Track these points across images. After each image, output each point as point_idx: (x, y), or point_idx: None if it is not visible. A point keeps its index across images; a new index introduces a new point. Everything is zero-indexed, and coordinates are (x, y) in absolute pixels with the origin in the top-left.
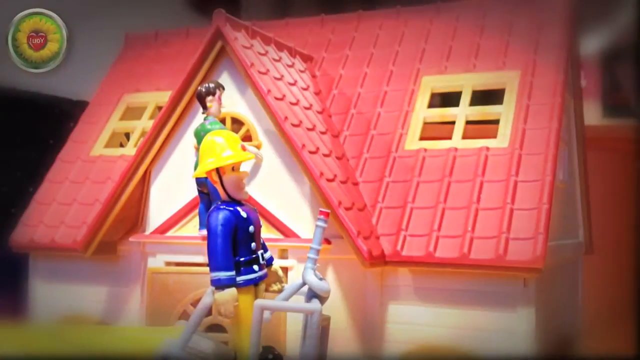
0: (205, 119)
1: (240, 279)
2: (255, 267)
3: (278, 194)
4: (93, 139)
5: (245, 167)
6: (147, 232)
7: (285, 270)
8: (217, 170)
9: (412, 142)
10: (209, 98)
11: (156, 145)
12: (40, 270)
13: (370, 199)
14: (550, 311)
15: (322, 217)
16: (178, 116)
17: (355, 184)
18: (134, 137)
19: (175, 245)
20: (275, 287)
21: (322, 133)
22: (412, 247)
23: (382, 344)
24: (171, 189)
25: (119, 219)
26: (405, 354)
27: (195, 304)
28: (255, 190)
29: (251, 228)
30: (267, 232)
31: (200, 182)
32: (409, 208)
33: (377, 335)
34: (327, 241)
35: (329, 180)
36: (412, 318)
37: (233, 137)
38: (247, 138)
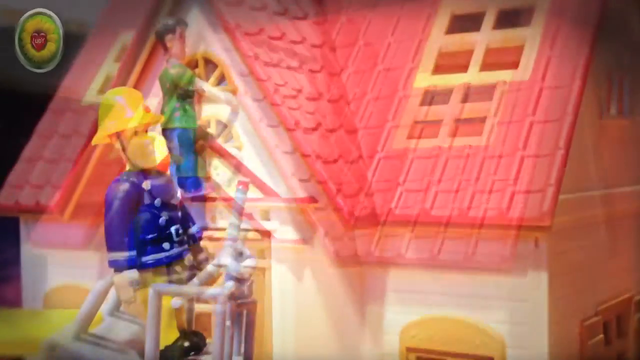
0: (167, 62)
1: (146, 259)
2: (166, 245)
3: (257, 148)
4: (86, 84)
5: (222, 115)
6: None
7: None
8: (119, 134)
9: (424, 78)
10: (169, 37)
11: None
12: (31, 236)
13: (369, 148)
14: (585, 274)
15: (240, 187)
16: (144, 63)
17: (352, 131)
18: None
19: None
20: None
21: (314, 71)
22: (408, 203)
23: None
24: None
25: (94, 179)
26: (404, 328)
27: None
28: (231, 146)
29: (157, 201)
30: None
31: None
32: (410, 158)
33: (359, 335)
34: (314, 200)
35: (308, 130)
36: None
37: (135, 95)
38: (222, 81)
